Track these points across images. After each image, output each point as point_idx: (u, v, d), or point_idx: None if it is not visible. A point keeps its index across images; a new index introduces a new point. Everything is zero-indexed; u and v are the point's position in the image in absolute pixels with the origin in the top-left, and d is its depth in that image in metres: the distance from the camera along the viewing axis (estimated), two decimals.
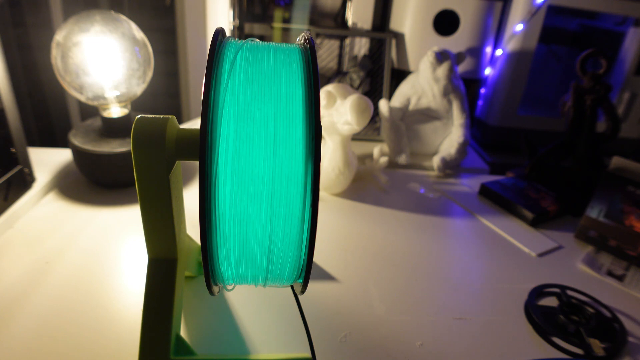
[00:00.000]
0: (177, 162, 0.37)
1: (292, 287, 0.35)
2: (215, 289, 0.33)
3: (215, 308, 0.50)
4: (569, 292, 0.57)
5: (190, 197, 0.69)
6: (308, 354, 0.39)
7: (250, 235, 0.29)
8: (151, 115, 0.35)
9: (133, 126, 0.34)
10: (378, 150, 0.89)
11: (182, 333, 0.46)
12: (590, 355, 0.48)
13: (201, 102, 0.28)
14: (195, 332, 0.46)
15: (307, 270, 0.30)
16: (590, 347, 0.49)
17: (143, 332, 0.38)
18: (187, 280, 0.53)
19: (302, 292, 0.33)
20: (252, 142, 0.28)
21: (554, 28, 1.26)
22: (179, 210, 0.41)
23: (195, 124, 1.05)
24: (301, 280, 0.32)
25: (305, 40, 0.34)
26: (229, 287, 0.34)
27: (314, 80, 0.29)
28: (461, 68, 1.04)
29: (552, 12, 1.11)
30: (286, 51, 0.32)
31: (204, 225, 0.28)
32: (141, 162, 0.34)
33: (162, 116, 0.35)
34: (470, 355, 0.47)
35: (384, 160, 0.85)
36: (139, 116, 0.35)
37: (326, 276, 0.56)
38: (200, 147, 0.27)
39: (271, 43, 0.34)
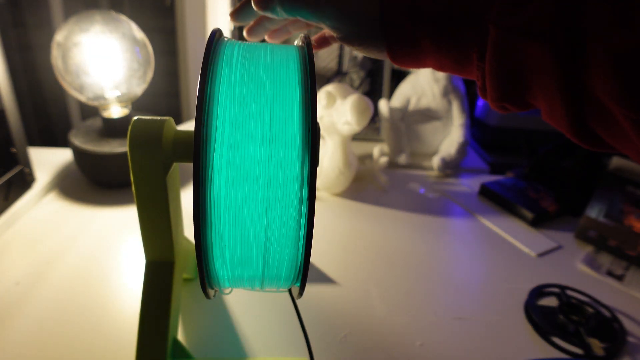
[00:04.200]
0: (174, 164, 0.37)
1: (289, 291, 0.35)
2: (211, 292, 0.33)
3: (213, 311, 0.50)
4: (569, 292, 0.57)
5: (188, 199, 0.69)
6: (306, 358, 0.39)
7: (245, 232, 0.29)
8: (148, 117, 0.35)
9: (130, 128, 0.34)
10: (378, 150, 0.89)
11: (180, 336, 0.46)
12: (590, 355, 0.48)
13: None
14: (192, 335, 0.46)
15: (305, 270, 0.30)
16: (589, 347, 0.49)
17: (140, 335, 0.38)
18: (185, 282, 0.53)
19: (300, 294, 0.33)
20: (247, 134, 0.28)
21: None
22: (176, 212, 0.40)
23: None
24: (298, 284, 0.32)
25: (302, 40, 0.34)
26: (226, 291, 0.34)
27: (310, 73, 0.29)
28: None
29: None
30: (283, 49, 0.32)
31: (198, 222, 0.28)
32: (138, 164, 0.34)
33: (159, 118, 0.35)
34: (470, 355, 0.47)
35: (384, 160, 0.85)
36: (135, 118, 0.35)
37: (325, 279, 0.56)
38: (195, 142, 0.27)
39: (268, 43, 0.34)
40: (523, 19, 0.25)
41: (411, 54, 0.32)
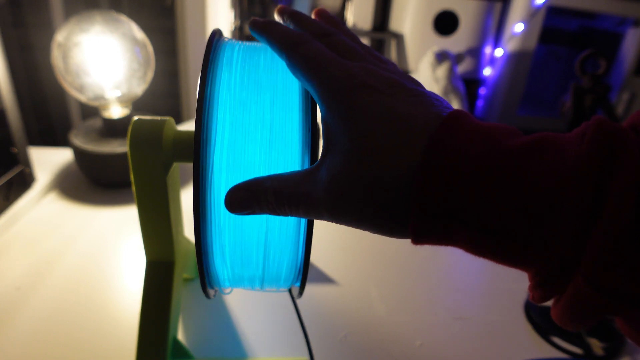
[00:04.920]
0: (174, 164, 0.37)
1: (289, 291, 0.35)
2: (211, 292, 0.33)
3: (213, 311, 0.50)
4: None
5: (188, 199, 0.69)
6: (306, 358, 0.39)
7: (246, 231, 0.29)
8: (148, 117, 0.35)
9: (130, 128, 0.34)
10: None
11: (180, 336, 0.46)
12: (590, 355, 0.48)
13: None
14: (192, 335, 0.46)
15: (305, 269, 0.30)
16: (589, 347, 0.49)
17: (140, 335, 0.38)
18: (185, 282, 0.53)
19: (300, 294, 0.33)
20: (247, 135, 0.28)
21: (554, 28, 1.26)
22: (177, 212, 0.40)
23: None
24: (298, 284, 0.32)
25: None
26: (226, 291, 0.34)
27: None
28: (461, 68, 1.04)
29: (552, 12, 1.11)
30: None
31: (198, 222, 0.28)
32: (138, 164, 0.34)
33: (159, 118, 0.35)
34: (470, 355, 0.47)
35: None
36: (135, 118, 0.35)
37: (325, 279, 0.56)
38: (195, 142, 0.27)
39: None
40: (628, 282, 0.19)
41: (440, 243, 0.24)
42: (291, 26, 0.30)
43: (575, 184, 0.20)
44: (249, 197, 0.26)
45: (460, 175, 0.21)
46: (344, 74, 0.24)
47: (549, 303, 0.24)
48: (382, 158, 0.23)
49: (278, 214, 0.26)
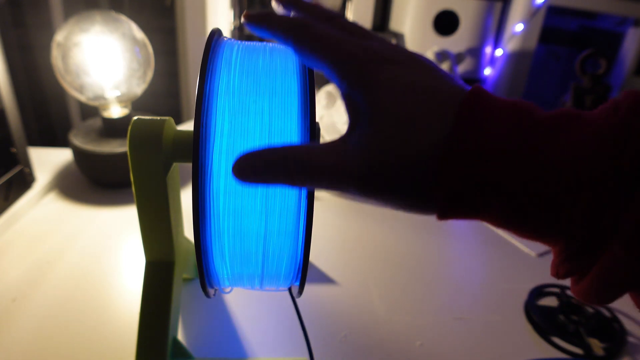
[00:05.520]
0: (174, 164, 0.37)
1: (289, 290, 0.35)
2: (211, 291, 0.33)
3: (213, 311, 0.50)
4: (569, 292, 0.57)
5: (188, 199, 0.69)
6: (306, 358, 0.39)
7: (245, 229, 0.29)
8: (148, 117, 0.35)
9: (129, 128, 0.34)
10: None
11: (180, 336, 0.46)
12: (590, 355, 0.48)
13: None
14: (192, 335, 0.46)
15: (304, 267, 0.30)
16: (589, 347, 0.49)
17: (140, 336, 0.38)
18: (185, 282, 0.53)
19: (300, 292, 0.33)
20: (247, 135, 0.28)
21: (554, 28, 1.26)
22: (177, 212, 0.40)
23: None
24: (298, 283, 0.32)
25: None
26: (226, 290, 0.34)
27: (309, 72, 0.29)
28: (461, 68, 1.04)
29: (552, 12, 1.11)
30: (282, 48, 0.32)
31: (197, 220, 0.28)
32: (138, 164, 0.34)
33: (159, 118, 0.35)
34: (470, 355, 0.47)
35: None
36: (135, 118, 0.35)
37: (325, 279, 0.56)
38: (194, 140, 0.27)
39: (267, 42, 0.34)
40: None
41: (466, 217, 0.24)
42: (292, 13, 0.29)
43: (611, 153, 0.19)
44: (264, 165, 0.24)
45: (490, 151, 0.21)
46: (361, 49, 0.24)
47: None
48: (412, 129, 0.22)
49: (293, 184, 0.24)
